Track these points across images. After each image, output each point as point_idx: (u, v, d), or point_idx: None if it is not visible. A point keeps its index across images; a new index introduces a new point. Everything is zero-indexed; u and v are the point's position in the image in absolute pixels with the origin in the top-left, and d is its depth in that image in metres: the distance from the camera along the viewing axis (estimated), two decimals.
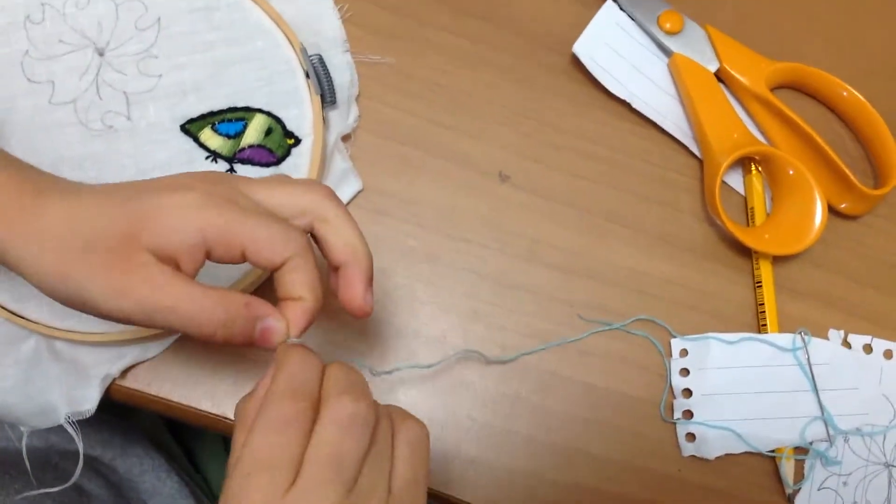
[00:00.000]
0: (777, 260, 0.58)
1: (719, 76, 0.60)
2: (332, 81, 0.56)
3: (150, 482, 0.68)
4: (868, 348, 0.58)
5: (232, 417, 0.52)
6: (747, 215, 0.59)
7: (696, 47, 0.60)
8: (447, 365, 0.54)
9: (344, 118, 0.57)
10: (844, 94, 0.60)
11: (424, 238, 0.56)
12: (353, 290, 0.42)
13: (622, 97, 0.59)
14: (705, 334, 0.56)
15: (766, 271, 0.57)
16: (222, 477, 0.75)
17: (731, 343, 0.56)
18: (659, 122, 0.60)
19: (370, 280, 0.42)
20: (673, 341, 0.56)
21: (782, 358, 0.56)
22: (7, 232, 0.39)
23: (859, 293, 0.59)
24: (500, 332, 0.56)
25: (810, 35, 0.64)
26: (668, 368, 0.56)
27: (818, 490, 0.56)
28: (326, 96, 0.56)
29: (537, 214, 0.58)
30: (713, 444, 0.55)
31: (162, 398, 0.52)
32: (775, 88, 0.61)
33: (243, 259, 0.39)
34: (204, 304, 0.38)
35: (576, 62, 0.60)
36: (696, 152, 0.60)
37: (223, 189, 0.40)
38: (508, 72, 0.60)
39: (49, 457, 0.61)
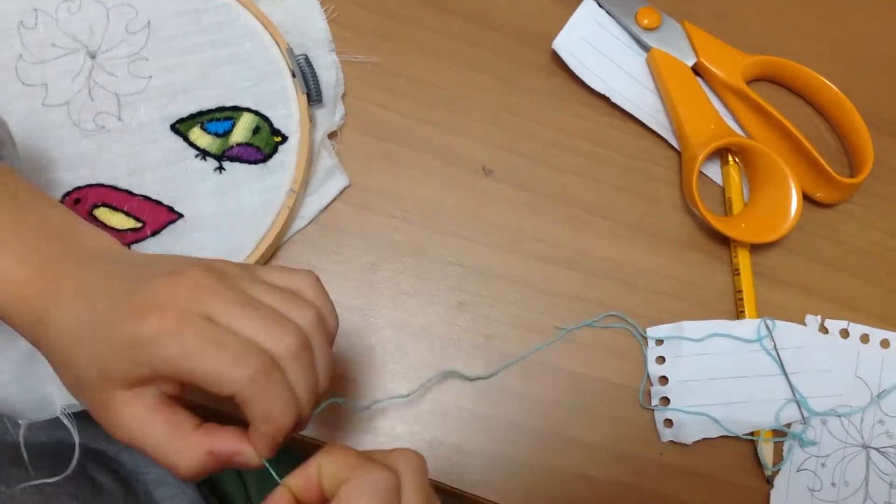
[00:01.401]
0: (755, 248, 0.60)
1: (696, 70, 0.61)
2: (318, 81, 0.57)
3: (155, 472, 0.69)
4: (845, 333, 0.59)
5: (229, 410, 0.53)
6: (725, 205, 0.61)
7: (674, 42, 0.61)
8: (433, 353, 0.56)
9: (330, 116, 0.58)
10: (819, 85, 0.61)
11: (410, 232, 0.58)
12: None
13: (602, 92, 0.61)
14: (678, 323, 0.58)
15: (743, 259, 0.58)
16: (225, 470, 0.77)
17: (698, 340, 0.57)
18: (638, 116, 0.61)
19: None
20: (649, 330, 0.58)
21: (754, 344, 0.57)
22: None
23: (835, 279, 0.61)
24: (485, 322, 0.57)
25: (785, 28, 0.65)
26: (645, 357, 0.58)
27: (797, 471, 0.57)
28: (313, 95, 0.57)
29: (520, 207, 0.59)
30: (690, 430, 0.56)
31: None
32: (752, 81, 0.62)
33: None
34: (178, 450, 0.39)
35: (556, 58, 0.61)
36: (675, 144, 0.61)
37: (210, 290, 0.39)
38: (491, 69, 0.62)
39: (57, 449, 0.63)
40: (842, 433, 0.58)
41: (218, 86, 0.57)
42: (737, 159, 0.60)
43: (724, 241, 0.60)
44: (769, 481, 0.57)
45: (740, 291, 0.58)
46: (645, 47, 0.62)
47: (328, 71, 0.59)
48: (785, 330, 0.58)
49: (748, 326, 0.57)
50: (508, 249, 0.58)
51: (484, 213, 0.59)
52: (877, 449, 0.58)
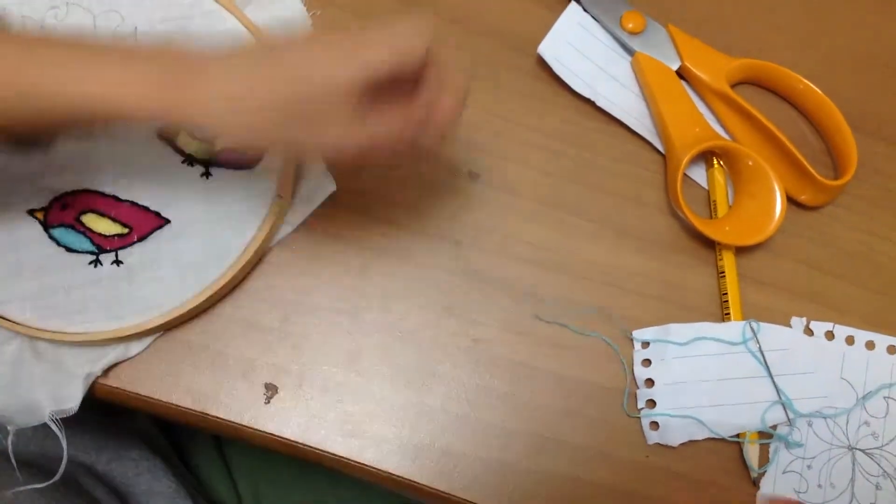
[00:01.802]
0: (740, 251, 0.60)
1: (681, 74, 0.62)
2: None
3: (146, 483, 0.69)
4: (830, 335, 0.60)
5: (214, 415, 0.54)
6: (710, 208, 0.61)
7: (658, 46, 0.61)
8: (421, 357, 0.56)
9: None
10: (802, 88, 0.62)
11: (398, 236, 0.58)
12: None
13: (587, 96, 0.61)
14: (664, 326, 0.58)
15: (728, 262, 0.59)
16: (215, 478, 0.77)
17: (683, 344, 0.58)
18: (623, 120, 0.61)
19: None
20: (635, 333, 0.58)
21: (739, 346, 0.58)
22: (185, 95, 0.42)
23: (821, 281, 0.61)
24: (473, 326, 0.57)
25: (769, 32, 0.66)
26: (631, 360, 0.58)
27: (783, 473, 0.57)
28: None
29: (507, 211, 0.60)
30: (676, 432, 0.56)
31: (144, 396, 0.54)
32: (736, 84, 0.63)
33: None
34: (388, 132, 0.44)
35: (542, 63, 0.61)
36: (660, 148, 0.61)
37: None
38: (477, 73, 0.62)
39: (45, 461, 0.63)
40: (827, 435, 0.58)
41: None
42: (721, 162, 0.61)
43: (710, 244, 0.60)
44: (755, 483, 0.57)
45: (726, 294, 0.59)
46: (630, 51, 0.62)
47: None
48: (770, 332, 0.58)
49: (733, 329, 0.58)
50: (495, 253, 0.59)
51: (471, 216, 0.59)
52: (862, 450, 0.59)
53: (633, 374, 0.58)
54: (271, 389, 0.55)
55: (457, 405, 0.56)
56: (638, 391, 0.57)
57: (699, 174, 0.62)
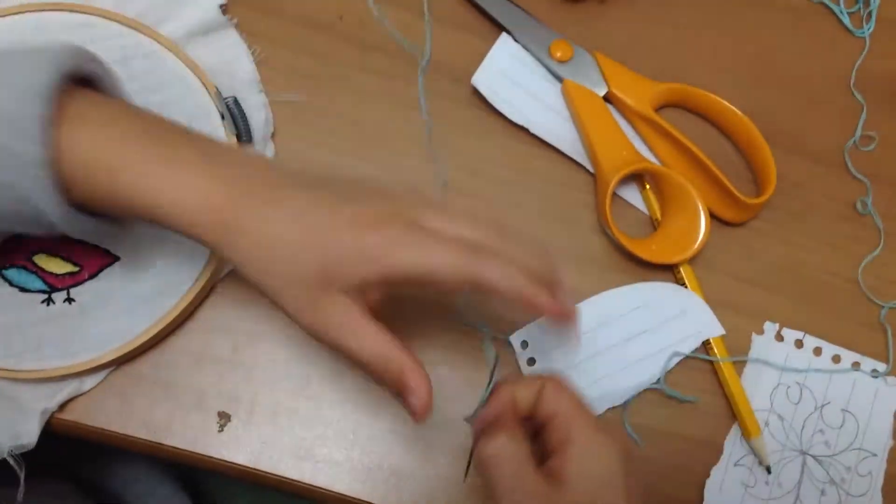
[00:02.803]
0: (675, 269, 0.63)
1: (608, 99, 0.65)
2: (247, 121, 0.60)
3: (142, 488, 0.71)
4: (799, 343, 0.64)
5: (169, 444, 0.55)
6: (654, 227, 0.64)
7: (586, 73, 0.64)
8: (369, 381, 0.58)
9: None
10: (722, 109, 0.65)
11: None
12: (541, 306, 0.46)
13: (521, 123, 0.63)
14: (533, 322, 0.61)
15: (688, 273, 0.63)
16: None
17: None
18: (556, 145, 0.64)
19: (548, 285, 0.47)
20: (511, 338, 0.61)
21: (612, 313, 0.62)
22: (220, 237, 0.45)
23: (750, 293, 0.64)
24: (418, 351, 0.60)
25: (691, 56, 0.69)
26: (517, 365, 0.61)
27: (734, 465, 0.61)
28: (242, 136, 0.59)
29: None
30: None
31: (100, 429, 0.56)
32: (661, 108, 0.66)
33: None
34: (376, 354, 0.45)
35: (476, 91, 0.64)
36: (592, 171, 0.64)
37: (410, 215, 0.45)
38: (415, 104, 0.64)
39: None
40: (782, 437, 0.62)
41: None
42: (649, 184, 0.64)
43: (643, 262, 0.63)
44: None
45: None
46: (559, 79, 0.65)
47: (257, 111, 0.61)
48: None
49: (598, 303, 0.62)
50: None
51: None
52: (814, 456, 0.62)
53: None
54: (224, 417, 0.57)
55: (403, 426, 0.58)
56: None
57: (633, 195, 0.65)
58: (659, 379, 0.61)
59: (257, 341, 0.58)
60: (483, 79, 0.63)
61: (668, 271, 0.63)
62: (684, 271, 0.62)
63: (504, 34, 0.65)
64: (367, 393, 0.58)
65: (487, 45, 0.65)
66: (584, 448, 0.46)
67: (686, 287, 0.62)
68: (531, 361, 0.60)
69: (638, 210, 0.65)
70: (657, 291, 0.62)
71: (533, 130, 0.63)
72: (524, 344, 0.61)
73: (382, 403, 0.58)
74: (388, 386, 0.46)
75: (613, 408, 0.61)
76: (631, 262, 0.63)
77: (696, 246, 0.61)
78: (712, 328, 0.62)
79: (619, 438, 0.47)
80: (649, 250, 0.61)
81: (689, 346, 0.61)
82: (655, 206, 0.63)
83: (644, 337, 0.61)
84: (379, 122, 0.64)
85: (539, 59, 0.65)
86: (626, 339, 0.61)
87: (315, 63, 0.64)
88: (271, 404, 0.57)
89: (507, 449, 0.46)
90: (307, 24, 0.65)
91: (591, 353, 0.61)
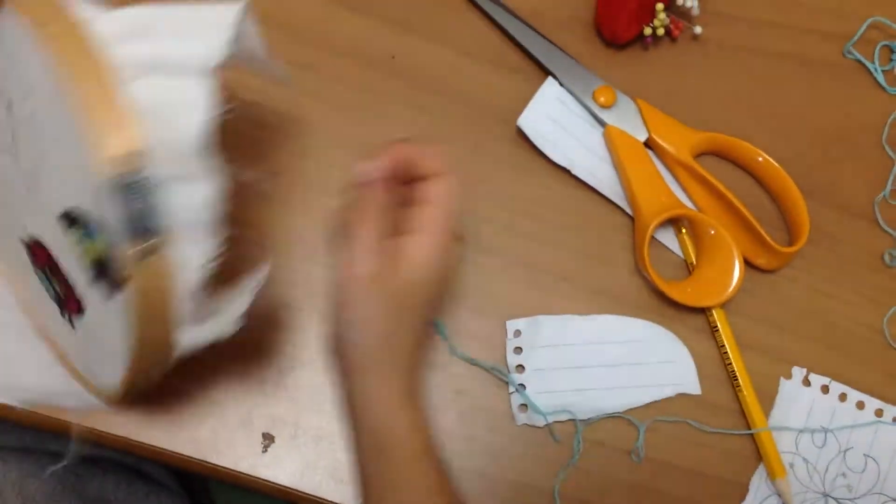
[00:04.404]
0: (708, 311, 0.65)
1: (649, 145, 0.67)
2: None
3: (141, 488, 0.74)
4: (825, 389, 0.66)
5: (214, 462, 0.57)
6: (689, 270, 0.66)
7: (628, 119, 0.67)
8: None
9: None
10: (760, 159, 0.67)
11: None
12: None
13: (564, 165, 0.66)
14: (535, 317, 0.64)
15: (720, 318, 0.65)
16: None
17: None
18: (597, 187, 0.66)
19: None
20: (508, 322, 0.63)
21: (607, 337, 0.64)
22: None
23: (778, 337, 0.66)
24: (456, 380, 0.62)
25: (730, 106, 0.71)
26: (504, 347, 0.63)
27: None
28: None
29: (489, 271, 0.64)
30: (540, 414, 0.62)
31: (150, 445, 0.58)
32: (700, 156, 0.68)
33: None
34: None
35: (521, 132, 0.66)
36: (631, 213, 0.66)
37: None
38: (461, 141, 0.67)
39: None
40: (806, 478, 0.63)
41: None
42: (685, 229, 0.66)
43: (675, 304, 0.65)
44: None
45: (723, 346, 0.64)
46: (602, 123, 0.67)
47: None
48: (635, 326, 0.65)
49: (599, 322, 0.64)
50: (475, 311, 0.63)
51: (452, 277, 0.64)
52: (836, 499, 0.64)
53: (506, 359, 0.63)
54: (268, 439, 0.59)
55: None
56: (509, 376, 0.62)
57: (670, 239, 0.67)
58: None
59: (301, 366, 0.60)
60: (529, 120, 0.65)
61: (700, 313, 0.65)
62: (716, 314, 0.64)
63: (550, 78, 0.67)
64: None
65: (532, 87, 0.67)
66: (430, 244, 0.52)
67: (718, 329, 0.64)
68: (517, 350, 0.63)
69: (674, 253, 0.67)
70: (657, 334, 0.65)
71: (575, 172, 0.66)
72: (517, 332, 0.63)
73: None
74: None
75: (573, 420, 0.63)
76: (665, 304, 0.65)
77: (729, 291, 0.62)
78: (691, 385, 0.64)
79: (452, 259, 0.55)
80: (684, 293, 0.63)
81: (665, 392, 0.64)
82: (691, 250, 0.65)
83: (630, 369, 0.64)
84: None
85: (583, 104, 0.67)
86: (612, 363, 0.63)
87: (363, 97, 0.66)
88: (314, 427, 0.59)
89: (373, 202, 0.52)
90: (359, 60, 0.67)
91: (577, 364, 0.63)
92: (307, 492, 0.58)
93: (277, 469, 0.58)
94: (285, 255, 0.62)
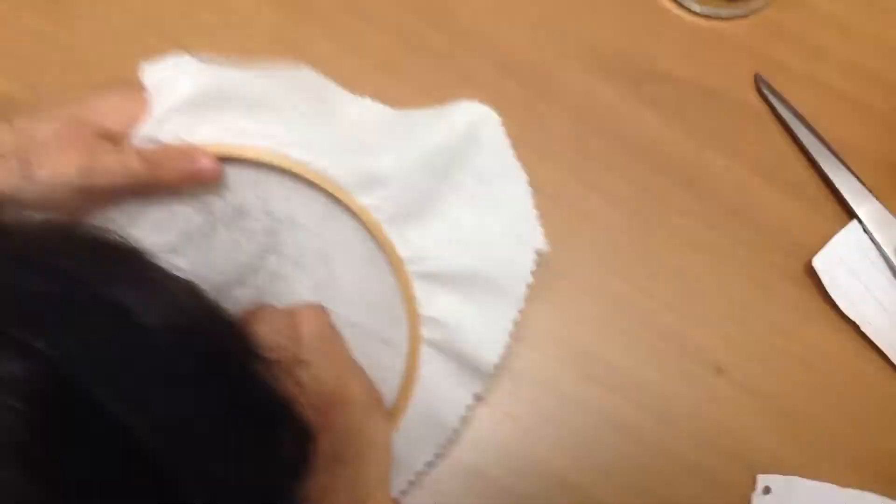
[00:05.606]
0: None
1: None
2: None
3: None
4: None
5: None
6: None
7: None
8: None
9: None
10: None
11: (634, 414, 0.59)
12: None
13: (853, 318, 0.60)
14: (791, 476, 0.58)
15: None
16: None
17: None
18: (884, 350, 0.60)
19: None
20: (759, 476, 0.58)
21: None
22: None
23: None
24: None
25: None
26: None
27: None
28: None
29: (746, 411, 0.59)
30: None
31: None
32: None
33: None
34: None
35: (809, 271, 0.61)
36: None
37: None
38: (742, 265, 0.62)
39: None
40: None
41: None
42: None
43: None
44: None
45: None
46: None
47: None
48: None
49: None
50: (731, 456, 0.58)
51: (710, 411, 0.59)
52: None
53: None
54: None
55: None
56: None
57: None
58: None
59: None
60: (824, 262, 0.60)
61: None
62: None
63: (854, 221, 0.62)
64: None
65: (830, 225, 0.62)
66: None
67: None
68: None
69: None
70: None
71: (864, 329, 0.60)
72: (766, 489, 0.57)
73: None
74: None
75: None
76: None
77: None
78: None
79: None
80: None
81: None
82: None
83: None
84: (698, 273, 0.62)
85: (885, 256, 0.61)
86: None
87: (644, 202, 0.63)
88: None
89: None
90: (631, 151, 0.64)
91: None
92: None
93: None
94: None
